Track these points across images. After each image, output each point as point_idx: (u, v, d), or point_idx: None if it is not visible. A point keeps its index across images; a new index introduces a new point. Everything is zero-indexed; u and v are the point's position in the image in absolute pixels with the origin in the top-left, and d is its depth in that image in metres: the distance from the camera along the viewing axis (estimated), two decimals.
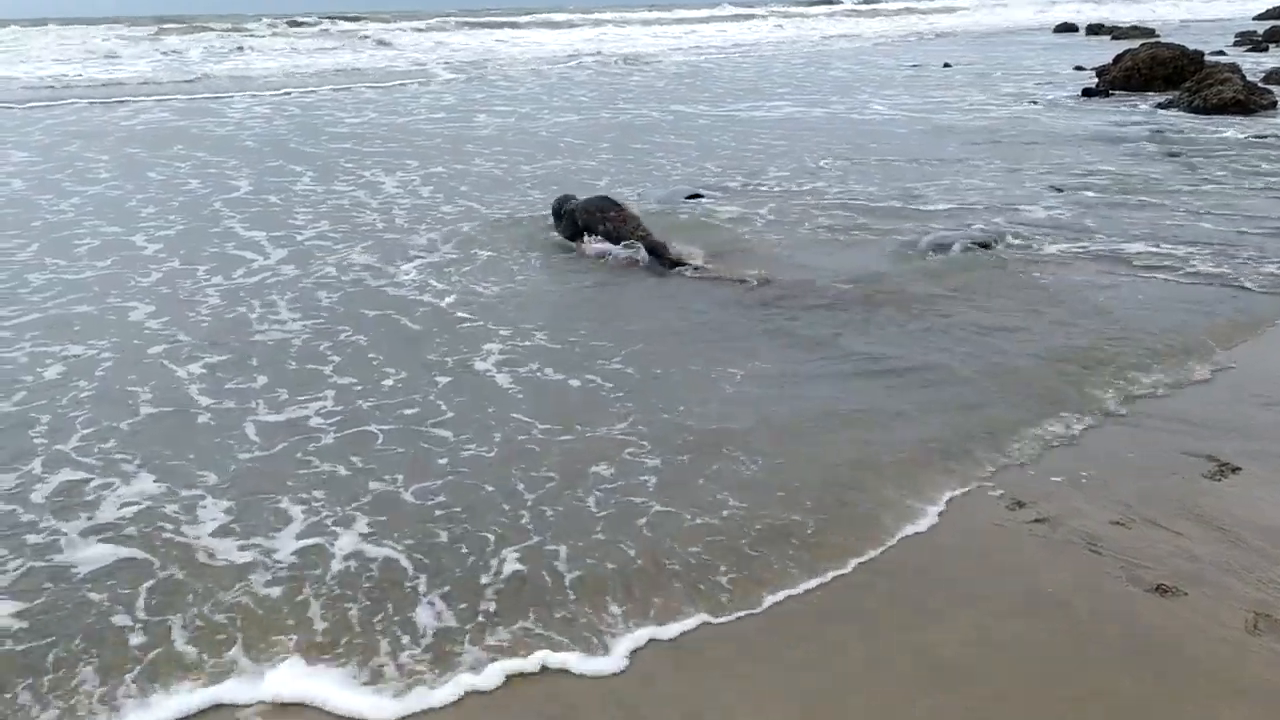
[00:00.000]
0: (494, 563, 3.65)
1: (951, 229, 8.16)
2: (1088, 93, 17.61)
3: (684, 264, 7.29)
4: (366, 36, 32.97)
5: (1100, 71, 18.71)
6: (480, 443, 4.60)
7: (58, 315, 6.20)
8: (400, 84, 21.13)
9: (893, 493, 4.10)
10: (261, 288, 6.81)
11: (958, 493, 4.10)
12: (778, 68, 25.94)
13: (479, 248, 7.79)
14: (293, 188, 10.12)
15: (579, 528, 3.88)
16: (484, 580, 3.53)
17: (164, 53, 27.33)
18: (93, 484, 4.24)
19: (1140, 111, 15.43)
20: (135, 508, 4.05)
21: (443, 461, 4.42)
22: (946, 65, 25.59)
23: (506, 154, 12.19)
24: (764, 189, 9.91)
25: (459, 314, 6.32)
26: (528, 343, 5.82)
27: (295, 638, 3.22)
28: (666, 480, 4.27)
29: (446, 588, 3.49)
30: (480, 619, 3.32)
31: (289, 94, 19.05)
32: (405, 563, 3.66)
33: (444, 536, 3.83)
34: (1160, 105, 15.77)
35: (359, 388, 5.19)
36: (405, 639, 3.23)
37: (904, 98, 17.96)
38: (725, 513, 3.98)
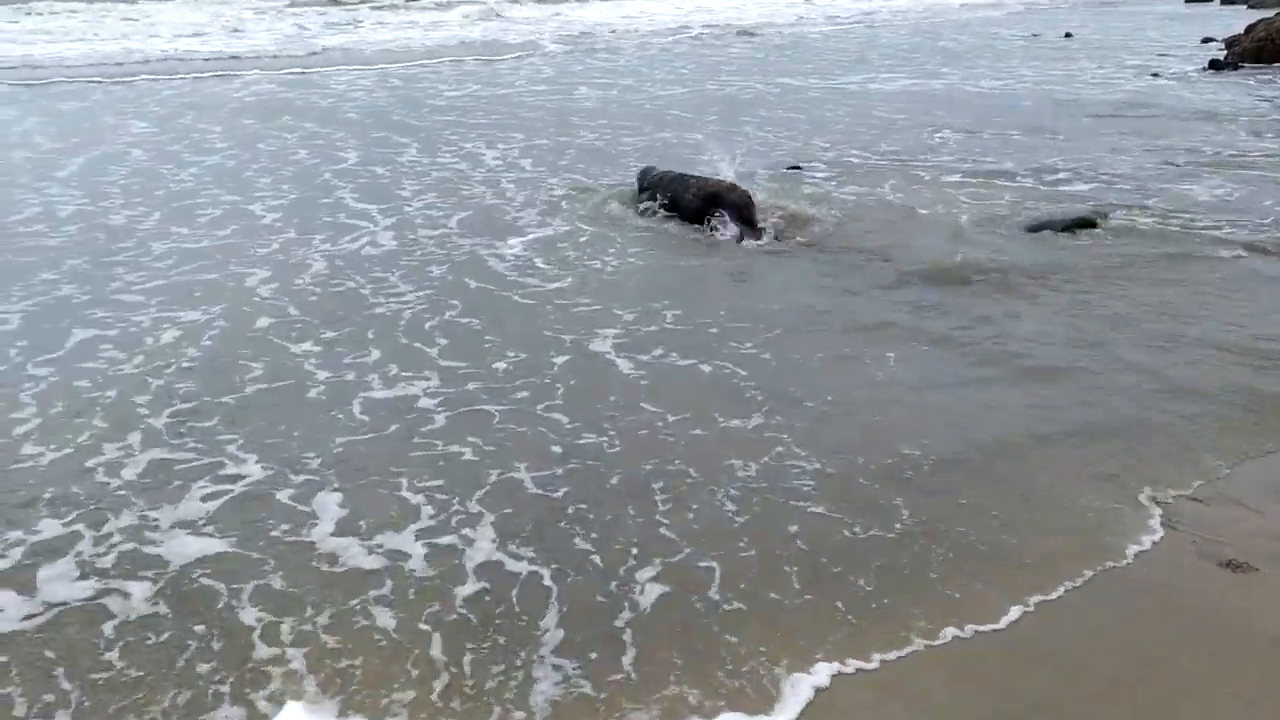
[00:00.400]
0: (635, 587, 3.39)
1: (1079, 206, 8.04)
2: (1215, 65, 16.92)
3: (764, 234, 7.45)
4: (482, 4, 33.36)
5: (1230, 43, 17.97)
6: (601, 431, 4.48)
7: (181, 282, 6.47)
8: (502, 57, 21.34)
9: (1091, 504, 3.87)
10: (372, 260, 6.95)
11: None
12: (894, 38, 25.47)
13: (585, 222, 7.86)
14: (398, 159, 10.32)
15: (724, 538, 3.64)
16: (624, 614, 3.25)
17: (290, 25, 28.07)
18: (197, 464, 4.21)
19: (1274, 85, 14.82)
20: (241, 492, 4.00)
21: (558, 450, 4.30)
22: (1068, 35, 24.87)
23: (611, 126, 12.23)
24: (878, 163, 9.84)
25: (571, 292, 6.34)
26: (647, 324, 5.76)
27: (412, 694, 2.95)
28: (820, 481, 4.05)
29: (583, 629, 3.19)
30: (621, 675, 3.00)
31: (390, 68, 19.39)
32: (537, 583, 3.43)
33: (578, 544, 3.63)
34: None
35: (470, 368, 5.18)
36: (534, 705, 2.90)
37: (1023, 70, 17.51)
38: (898, 526, 3.74)
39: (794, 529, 3.72)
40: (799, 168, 9.66)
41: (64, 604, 3.35)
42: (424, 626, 3.23)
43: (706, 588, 3.40)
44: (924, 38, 25.49)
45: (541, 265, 6.85)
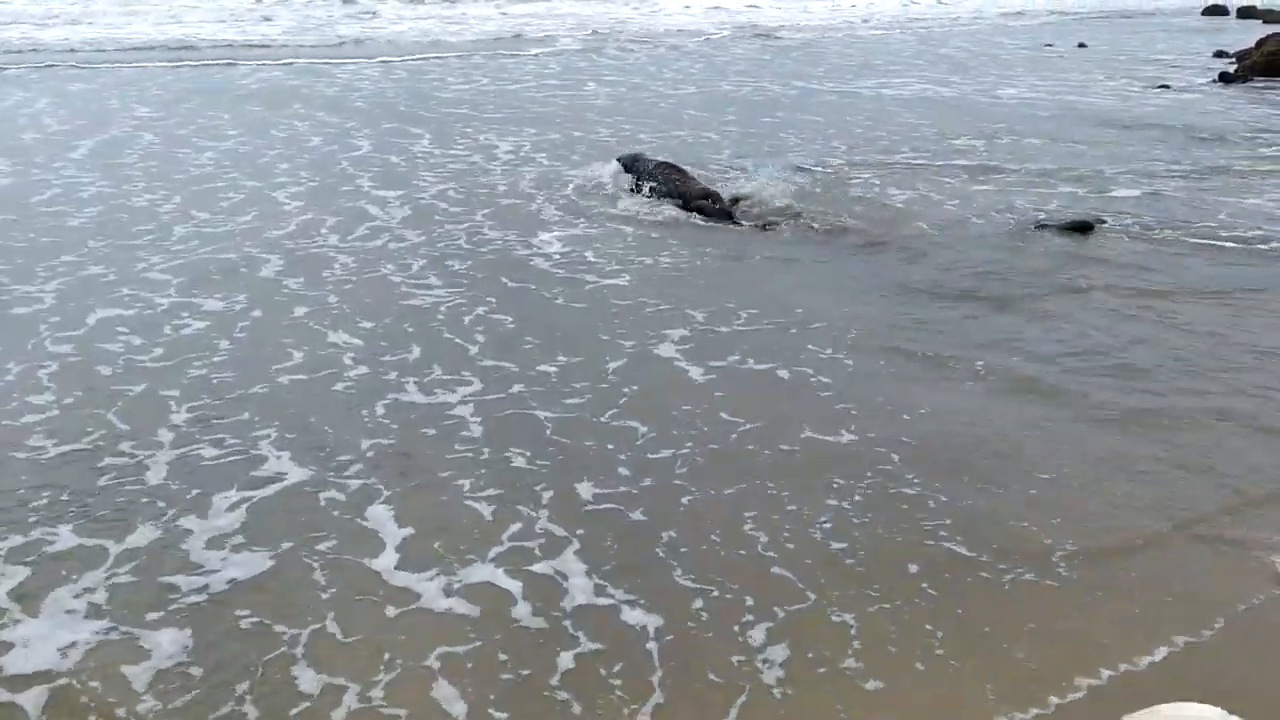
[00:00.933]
0: (759, 647, 3.02)
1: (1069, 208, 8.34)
2: (1225, 78, 17.16)
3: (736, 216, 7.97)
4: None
5: (1240, 57, 18.23)
6: (675, 444, 4.21)
7: (213, 264, 6.60)
8: (516, 52, 21.44)
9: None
10: (399, 252, 6.99)
11: None
12: (906, 45, 25.68)
13: (611, 222, 7.93)
14: (412, 149, 10.49)
15: (844, 580, 3.30)
16: (755, 683, 2.86)
17: (306, 15, 28.17)
18: (231, 461, 4.05)
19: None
20: (280, 497, 3.78)
21: (626, 463, 4.06)
22: (1081, 45, 25.16)
23: (630, 123, 12.40)
24: (896, 164, 10.03)
25: (612, 288, 6.31)
26: (718, 323, 5.67)
27: None
28: (934, 506, 3.77)
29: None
30: None
31: (393, 60, 19.46)
32: (641, 638, 3.06)
33: (680, 581, 3.28)
34: None
35: (513, 368, 5.01)
36: None
37: (1031, 79, 17.72)
38: (1061, 568, 3.44)
39: (915, 568, 3.39)
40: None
41: (86, 642, 3.02)
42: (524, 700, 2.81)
43: (842, 651, 3.01)
44: (972, 46, 25.68)
45: (571, 258, 6.95)
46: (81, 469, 4.00)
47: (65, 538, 3.53)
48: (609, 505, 3.79)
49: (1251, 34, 23.45)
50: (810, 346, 5.35)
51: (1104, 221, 7.94)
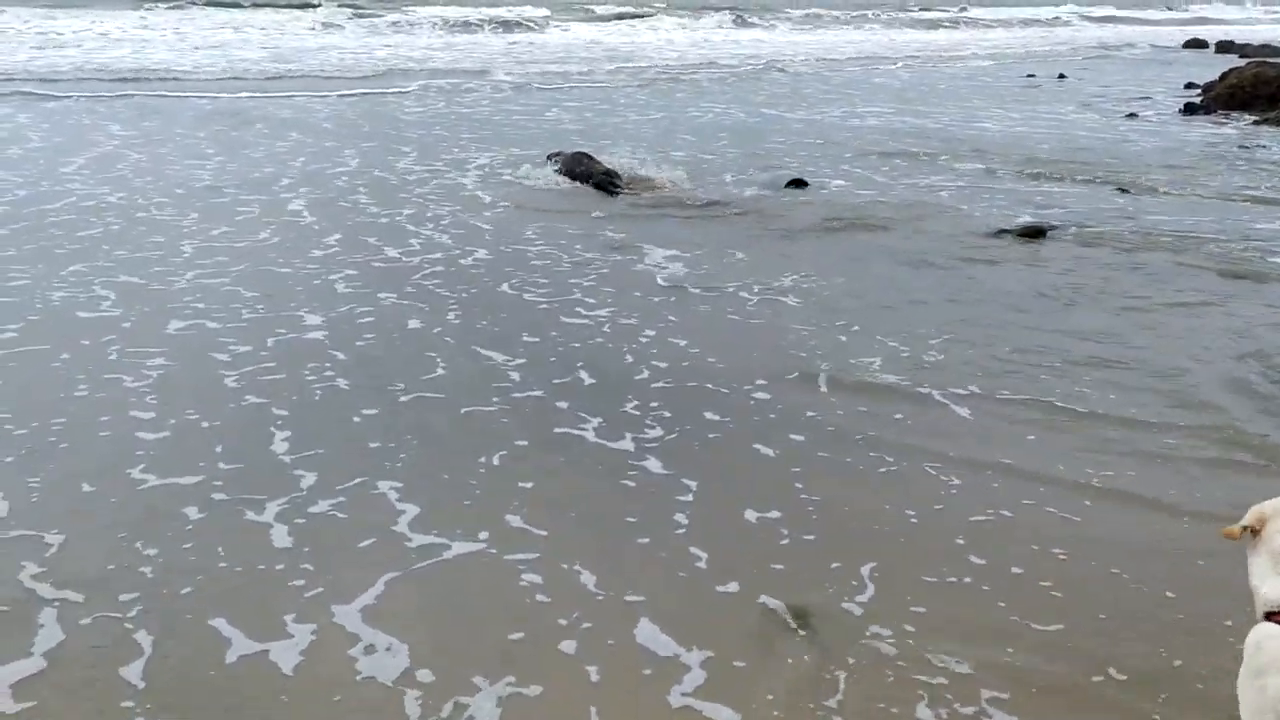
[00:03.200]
0: None
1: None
2: (1190, 109, 18.89)
3: (621, 188, 11.31)
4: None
5: (1205, 88, 19.95)
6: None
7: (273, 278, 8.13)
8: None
9: None
10: (418, 270, 8.20)
11: None
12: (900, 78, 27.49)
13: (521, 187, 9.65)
14: (396, 165, 12.31)
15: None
16: None
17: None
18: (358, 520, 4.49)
19: (1232, 127, 16.81)
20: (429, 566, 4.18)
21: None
22: (1062, 77, 27.10)
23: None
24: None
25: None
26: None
27: None
28: None
29: None
30: None
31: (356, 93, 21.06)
32: None
33: None
34: (1256, 122, 17.10)
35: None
36: None
37: (995, 108, 19.53)
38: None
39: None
40: (804, 182, 11.70)
41: None
42: None
43: None
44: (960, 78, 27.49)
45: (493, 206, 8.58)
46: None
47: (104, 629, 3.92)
48: None
49: (1223, 67, 25.32)
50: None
51: (1054, 227, 9.69)
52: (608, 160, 11.97)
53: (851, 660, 3.57)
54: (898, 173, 12.61)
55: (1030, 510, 4.63)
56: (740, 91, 21.88)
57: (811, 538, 4.40)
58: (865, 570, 4.13)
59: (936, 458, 5.08)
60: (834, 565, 4.17)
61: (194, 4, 35.22)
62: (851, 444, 5.24)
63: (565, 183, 11.45)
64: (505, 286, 7.74)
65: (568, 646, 3.68)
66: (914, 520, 4.54)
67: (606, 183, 11.32)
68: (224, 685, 3.39)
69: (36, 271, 7.66)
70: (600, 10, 42.60)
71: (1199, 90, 20.73)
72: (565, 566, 4.16)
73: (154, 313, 6.94)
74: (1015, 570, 4.16)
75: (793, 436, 5.32)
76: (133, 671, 3.41)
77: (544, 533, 4.41)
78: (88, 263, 7.91)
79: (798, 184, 11.61)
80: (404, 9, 36.80)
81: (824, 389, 5.94)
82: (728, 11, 41.74)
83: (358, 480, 4.73)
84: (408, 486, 4.70)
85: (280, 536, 4.27)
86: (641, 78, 23.98)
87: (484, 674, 3.49)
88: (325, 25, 32.78)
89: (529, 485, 4.79)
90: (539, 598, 3.96)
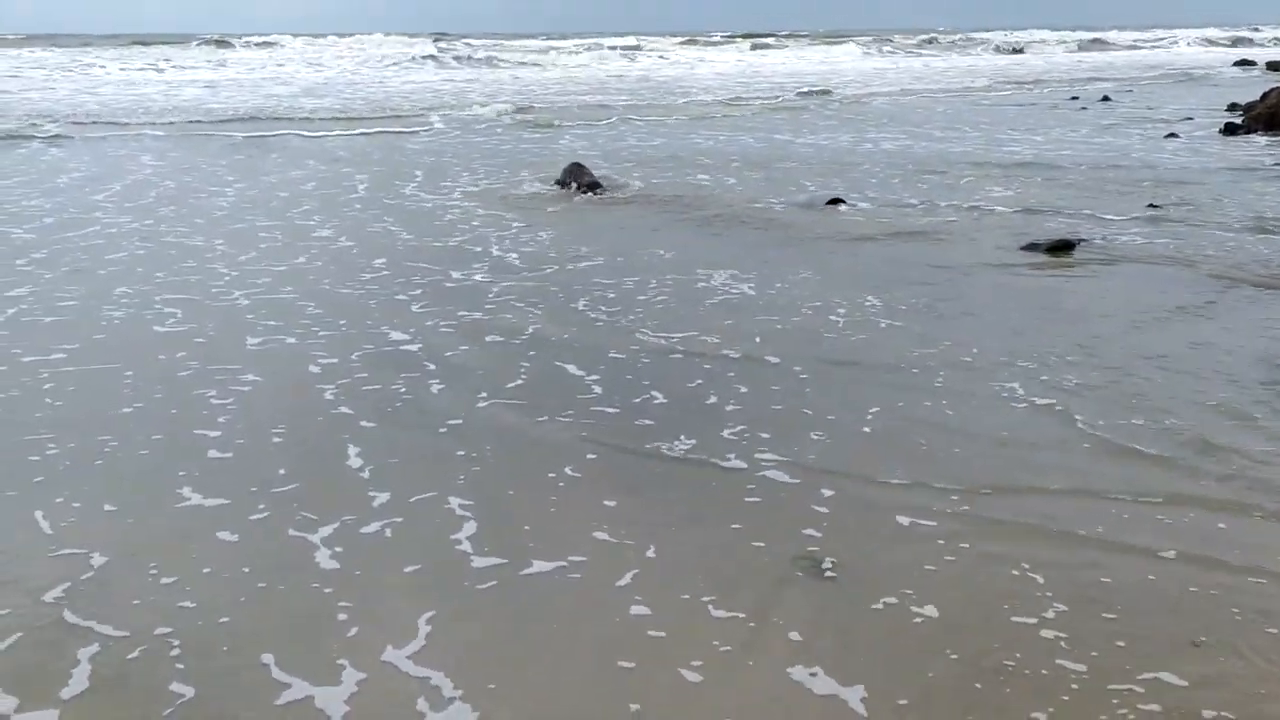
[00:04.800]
0: None
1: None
2: (1230, 129, 19.38)
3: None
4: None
5: (1247, 109, 20.42)
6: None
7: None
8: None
9: None
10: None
11: None
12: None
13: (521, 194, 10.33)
14: (404, 190, 13.02)
15: None
16: None
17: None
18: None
19: (1271, 147, 17.29)
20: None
21: None
22: (1106, 99, 27.74)
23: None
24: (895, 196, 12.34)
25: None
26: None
27: None
28: None
29: None
30: None
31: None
32: None
33: None
34: None
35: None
36: None
37: (1038, 131, 20.16)
38: None
39: None
40: (841, 200, 12.54)
41: None
42: None
43: None
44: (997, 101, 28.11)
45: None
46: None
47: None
48: None
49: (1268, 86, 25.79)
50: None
51: (1081, 240, 10.20)
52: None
53: None
54: (933, 190, 13.30)
55: None
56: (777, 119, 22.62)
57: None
58: None
59: None
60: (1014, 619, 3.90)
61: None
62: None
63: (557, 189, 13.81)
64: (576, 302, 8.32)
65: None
66: None
67: (587, 187, 13.66)
68: None
69: (84, 291, 8.38)
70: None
71: (1241, 110, 21.19)
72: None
73: (227, 327, 7.47)
74: None
75: None
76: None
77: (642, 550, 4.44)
78: (131, 285, 8.63)
79: (836, 201, 12.59)
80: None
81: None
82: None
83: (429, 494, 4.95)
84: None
85: (334, 557, 4.33)
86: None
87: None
88: None
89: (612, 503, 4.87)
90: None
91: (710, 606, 3.95)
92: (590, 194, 13.49)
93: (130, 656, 3.61)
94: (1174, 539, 4.39)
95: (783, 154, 17.33)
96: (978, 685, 3.45)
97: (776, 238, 10.75)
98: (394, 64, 39.69)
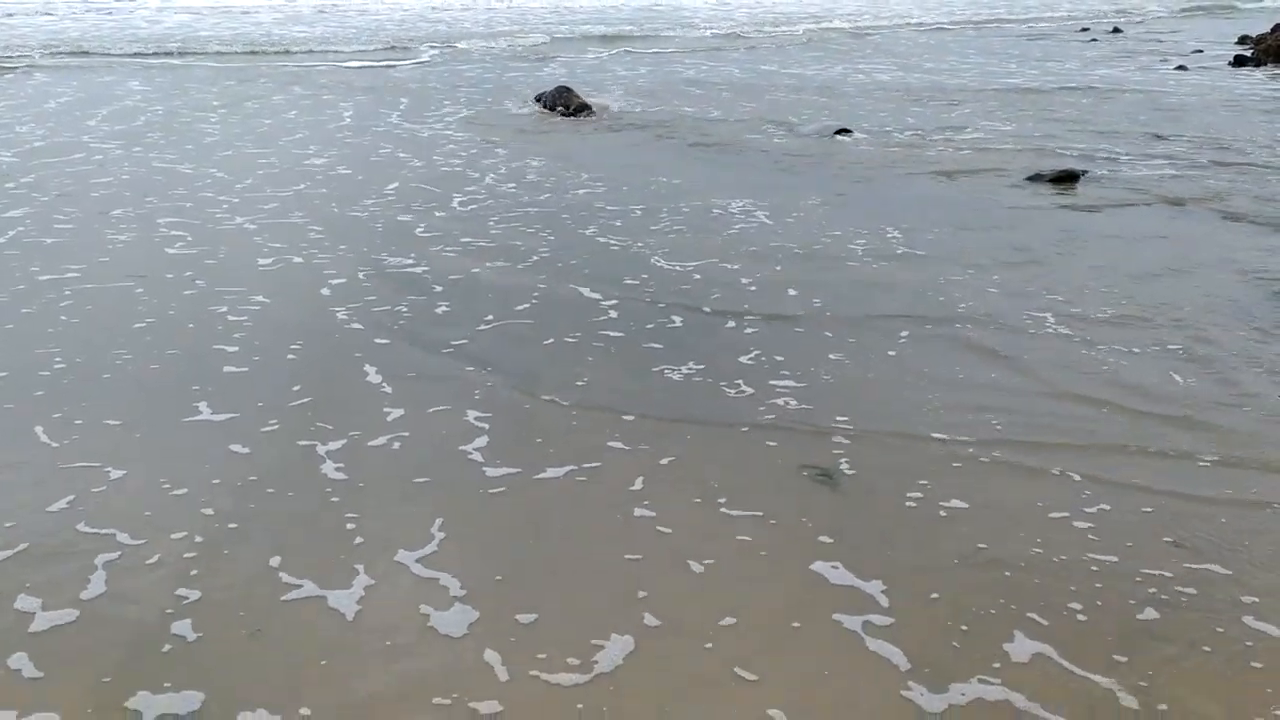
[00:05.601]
0: None
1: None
2: (1239, 61, 19.46)
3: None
4: None
5: (1257, 41, 20.48)
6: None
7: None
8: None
9: None
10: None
11: None
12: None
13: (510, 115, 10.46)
14: (390, 117, 13.11)
15: None
16: None
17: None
18: None
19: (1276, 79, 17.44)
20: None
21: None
22: (1117, 30, 27.84)
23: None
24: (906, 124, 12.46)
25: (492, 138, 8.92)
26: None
27: None
28: None
29: None
30: None
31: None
32: None
33: None
34: None
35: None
36: None
37: (1040, 60, 20.26)
38: None
39: None
40: (848, 130, 12.68)
41: None
42: None
43: None
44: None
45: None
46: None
47: None
48: None
49: None
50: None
51: (1085, 171, 10.36)
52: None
53: None
54: (938, 118, 13.47)
55: None
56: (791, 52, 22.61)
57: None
58: None
59: None
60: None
61: None
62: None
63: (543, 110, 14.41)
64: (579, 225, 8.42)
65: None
66: None
67: (576, 110, 14.16)
68: (280, 633, 3.46)
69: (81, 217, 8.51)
70: None
71: (1251, 43, 21.25)
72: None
73: (237, 251, 7.65)
74: None
75: None
76: (183, 622, 3.48)
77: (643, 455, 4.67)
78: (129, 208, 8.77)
79: (843, 132, 12.70)
80: None
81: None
82: None
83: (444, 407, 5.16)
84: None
85: (345, 468, 4.49)
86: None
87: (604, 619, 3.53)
88: None
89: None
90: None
91: (722, 506, 4.21)
92: (578, 116, 13.91)
93: (147, 561, 3.79)
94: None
95: (770, 84, 17.44)
96: (1006, 573, 3.73)
97: (783, 165, 10.92)
98: None
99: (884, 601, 3.59)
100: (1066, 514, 4.12)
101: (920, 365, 5.62)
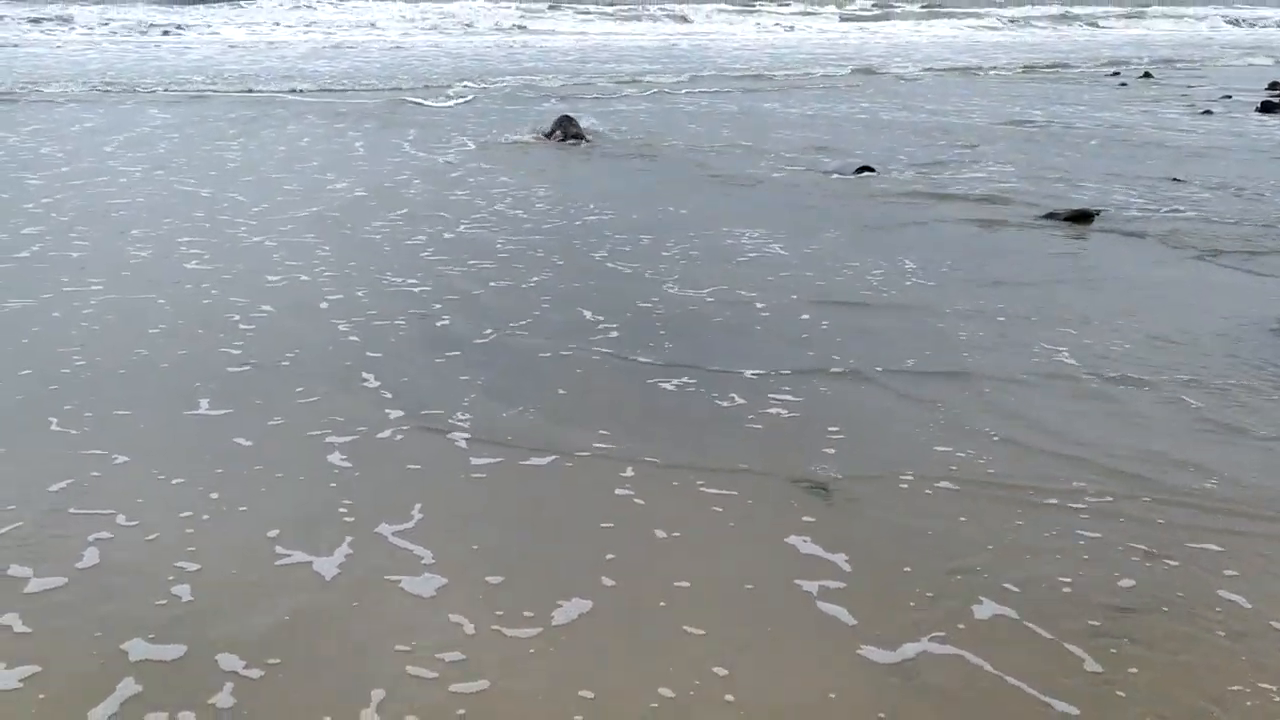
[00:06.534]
0: None
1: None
2: (1266, 107, 19.87)
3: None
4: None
5: None
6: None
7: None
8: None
9: None
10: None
11: None
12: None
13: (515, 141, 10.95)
14: (402, 145, 13.68)
15: None
16: None
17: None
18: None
19: None
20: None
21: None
22: (1147, 75, 28.22)
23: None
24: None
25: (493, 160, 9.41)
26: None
27: None
28: None
29: None
30: None
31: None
32: None
33: None
34: None
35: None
36: None
37: (1066, 103, 20.75)
38: None
39: None
40: (871, 169, 13.06)
41: None
42: None
43: None
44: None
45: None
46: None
47: None
48: None
49: None
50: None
51: (1100, 211, 10.70)
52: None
53: None
54: (956, 155, 13.96)
55: None
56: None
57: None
58: None
59: None
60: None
61: None
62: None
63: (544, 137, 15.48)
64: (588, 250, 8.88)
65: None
66: None
67: (574, 136, 15.21)
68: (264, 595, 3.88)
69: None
70: None
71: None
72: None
73: (251, 266, 8.18)
74: None
75: None
76: (181, 585, 3.90)
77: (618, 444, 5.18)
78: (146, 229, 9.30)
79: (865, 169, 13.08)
80: None
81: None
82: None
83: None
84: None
85: (346, 458, 4.96)
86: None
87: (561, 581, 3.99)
88: None
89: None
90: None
91: (701, 487, 4.72)
92: (578, 143, 15.04)
93: (146, 539, 4.20)
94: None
95: (778, 122, 17.94)
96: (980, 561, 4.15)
97: (806, 201, 11.37)
98: (412, 25, 40.49)
99: (846, 568, 4.05)
100: (1053, 533, 4.41)
101: (924, 398, 5.88)
